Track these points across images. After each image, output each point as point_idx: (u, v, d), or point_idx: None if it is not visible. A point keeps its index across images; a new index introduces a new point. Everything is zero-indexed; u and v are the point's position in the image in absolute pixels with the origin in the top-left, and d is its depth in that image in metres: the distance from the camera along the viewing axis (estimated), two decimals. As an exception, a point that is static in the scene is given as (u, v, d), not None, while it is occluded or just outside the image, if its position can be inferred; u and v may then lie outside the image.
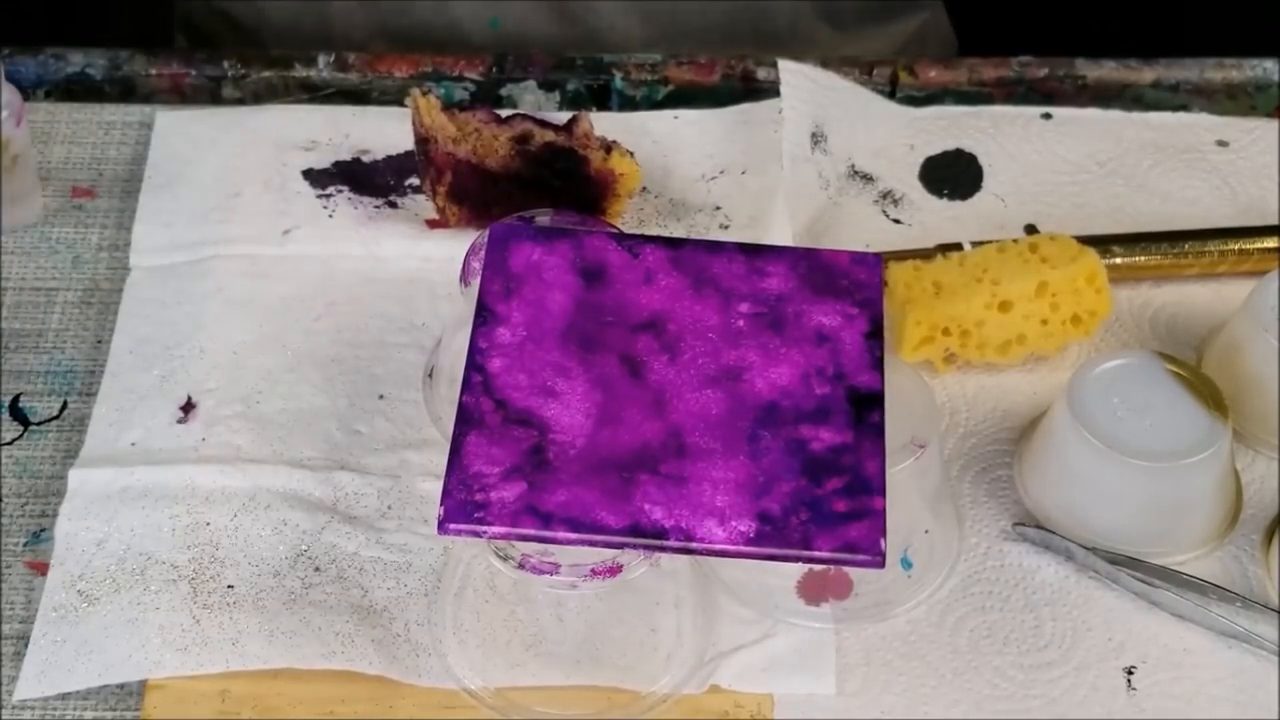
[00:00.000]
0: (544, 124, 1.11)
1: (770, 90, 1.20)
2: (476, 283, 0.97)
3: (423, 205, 1.15)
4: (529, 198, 1.10)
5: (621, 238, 1.00)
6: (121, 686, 0.95)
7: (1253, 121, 1.22)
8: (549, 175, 1.11)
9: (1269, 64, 1.25)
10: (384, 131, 1.19)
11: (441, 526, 0.87)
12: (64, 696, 0.95)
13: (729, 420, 0.91)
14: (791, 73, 1.18)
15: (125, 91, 1.24)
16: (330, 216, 1.15)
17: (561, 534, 0.87)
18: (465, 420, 0.91)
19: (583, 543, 0.88)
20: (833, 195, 1.17)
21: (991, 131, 1.21)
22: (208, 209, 1.15)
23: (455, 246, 1.09)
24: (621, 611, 0.96)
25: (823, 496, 0.89)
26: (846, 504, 0.88)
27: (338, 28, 1.33)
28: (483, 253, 0.99)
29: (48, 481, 1.03)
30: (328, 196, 1.16)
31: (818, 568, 0.96)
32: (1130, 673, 0.96)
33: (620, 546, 0.88)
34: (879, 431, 0.91)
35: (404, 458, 1.03)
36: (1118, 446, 0.97)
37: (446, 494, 0.88)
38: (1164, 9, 1.94)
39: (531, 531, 0.87)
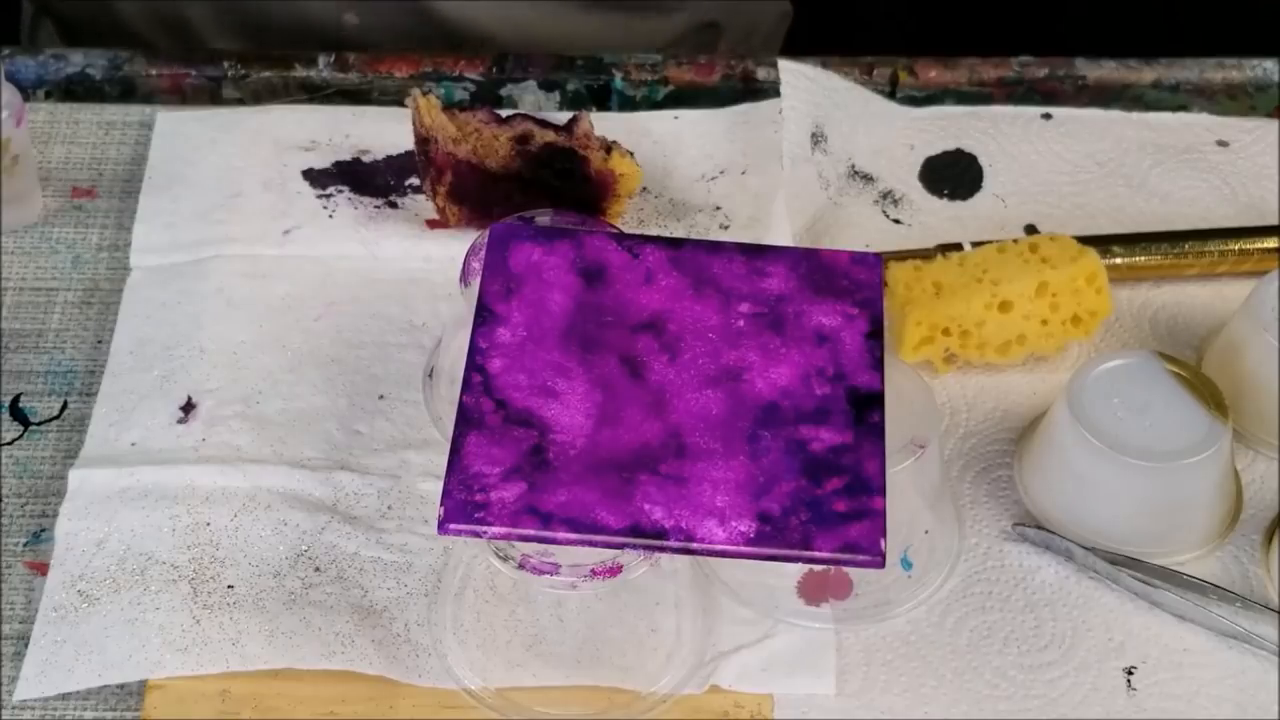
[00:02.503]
0: (544, 124, 1.11)
1: (770, 90, 1.20)
2: (476, 283, 0.97)
3: (423, 205, 1.15)
4: (529, 198, 1.10)
5: (621, 238, 1.00)
6: (121, 686, 0.95)
7: (1253, 121, 1.22)
8: (549, 175, 1.11)
9: (1269, 64, 1.25)
10: (384, 131, 1.19)
11: (441, 526, 0.87)
12: (64, 696, 0.95)
13: (729, 420, 0.91)
14: (791, 73, 1.18)
15: (125, 91, 1.24)
16: (330, 216, 1.15)
17: (561, 534, 0.87)
18: (465, 420, 0.91)
19: (583, 543, 0.88)
20: (833, 195, 1.17)
21: (991, 131, 1.21)
22: (208, 209, 1.15)
23: (455, 246, 1.09)
24: (621, 611, 0.96)
25: (823, 497, 0.88)
26: (846, 504, 0.88)
27: (195, 22, 1.34)
28: (483, 253, 0.99)
29: (48, 481, 1.03)
30: (328, 196, 1.16)
31: (818, 568, 0.96)
32: (1130, 673, 0.96)
33: (620, 546, 0.88)
34: (879, 431, 0.91)
35: (404, 458, 1.03)
36: (1118, 446, 0.97)
37: (446, 494, 0.88)
38: (1164, 9, 1.95)
39: (531, 532, 0.87)
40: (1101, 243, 1.10)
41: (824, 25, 1.80)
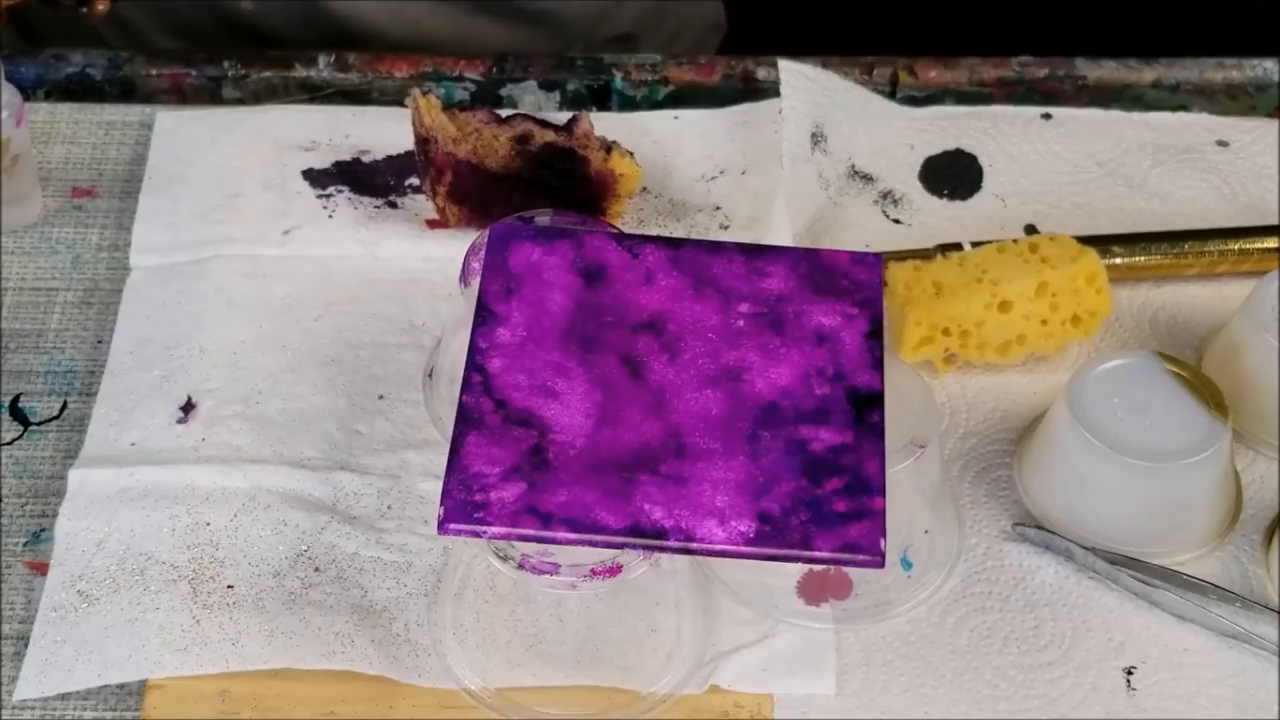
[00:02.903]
0: (544, 124, 1.11)
1: (770, 90, 1.20)
2: (476, 283, 0.97)
3: (423, 205, 1.15)
4: (529, 198, 1.10)
5: (621, 238, 1.00)
6: (121, 686, 0.95)
7: (1253, 121, 1.22)
8: (549, 175, 1.11)
9: (1269, 64, 1.25)
10: (384, 131, 1.19)
11: (441, 526, 0.87)
12: (64, 696, 0.95)
13: (729, 420, 0.91)
14: (791, 73, 1.18)
15: (125, 91, 1.24)
16: (330, 216, 1.15)
17: (561, 534, 0.87)
18: (465, 420, 0.91)
19: (583, 543, 0.88)
20: (833, 195, 1.17)
21: (991, 131, 1.21)
22: (208, 209, 1.15)
23: (455, 246, 1.09)
24: (621, 611, 0.96)
25: (822, 496, 0.88)
26: (846, 504, 0.88)
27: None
28: (483, 253, 0.99)
29: (48, 481, 1.03)
30: (328, 196, 1.16)
31: (818, 568, 0.96)
32: (1130, 673, 0.96)
33: (620, 546, 0.88)
34: (879, 431, 0.91)
35: (404, 458, 1.03)
36: (1118, 446, 0.97)
37: (446, 494, 0.88)
38: (1164, 9, 1.95)
39: (531, 532, 0.87)
40: (1101, 243, 1.10)
41: (824, 25, 1.81)
